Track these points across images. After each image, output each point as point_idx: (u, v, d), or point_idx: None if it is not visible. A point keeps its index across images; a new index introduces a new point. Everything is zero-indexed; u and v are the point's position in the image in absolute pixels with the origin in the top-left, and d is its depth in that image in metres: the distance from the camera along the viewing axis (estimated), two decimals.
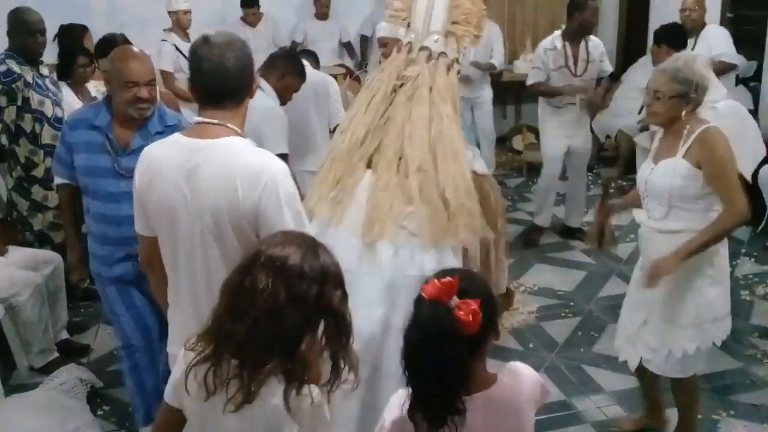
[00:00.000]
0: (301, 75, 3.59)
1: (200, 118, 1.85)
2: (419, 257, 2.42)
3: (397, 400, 1.56)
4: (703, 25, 5.13)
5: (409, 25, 2.74)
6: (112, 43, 4.79)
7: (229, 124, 1.81)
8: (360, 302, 1.97)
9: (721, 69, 4.72)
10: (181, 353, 1.55)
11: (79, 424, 2.92)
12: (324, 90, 3.97)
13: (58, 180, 2.82)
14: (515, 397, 1.58)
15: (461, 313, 1.42)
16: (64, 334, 3.72)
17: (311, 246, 1.48)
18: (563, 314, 4.02)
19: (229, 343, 1.42)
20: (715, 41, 5.00)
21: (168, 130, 2.51)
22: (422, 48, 2.66)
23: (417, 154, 2.48)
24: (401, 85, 2.62)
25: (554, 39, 4.77)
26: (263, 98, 3.22)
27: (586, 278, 4.50)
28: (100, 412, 3.19)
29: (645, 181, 2.62)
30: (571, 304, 4.16)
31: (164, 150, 1.87)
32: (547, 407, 2.84)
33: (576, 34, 4.72)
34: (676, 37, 4.46)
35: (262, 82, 3.32)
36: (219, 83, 1.81)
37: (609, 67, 4.98)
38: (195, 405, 1.51)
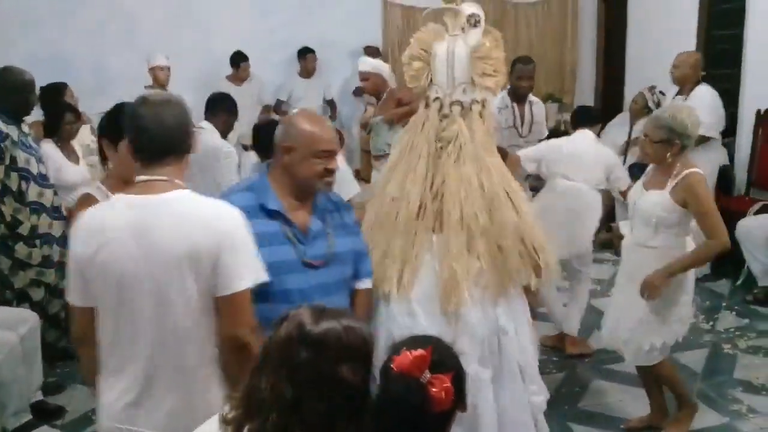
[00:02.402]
0: (235, 114, 3.92)
1: (144, 177, 1.83)
2: (491, 312, 2.52)
3: None
4: (696, 82, 5.15)
5: (431, 81, 2.68)
6: (56, 92, 4.87)
7: (174, 180, 1.82)
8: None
9: (698, 141, 4.73)
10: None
11: None
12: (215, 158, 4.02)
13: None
14: None
15: (434, 390, 1.35)
16: (39, 395, 3.63)
17: (314, 319, 1.33)
18: (547, 370, 3.99)
19: None
20: (699, 104, 4.67)
21: (334, 206, 2.29)
22: (454, 103, 2.63)
23: (478, 214, 2.52)
24: (442, 147, 2.61)
25: (503, 98, 4.71)
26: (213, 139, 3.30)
27: None
28: None
29: (634, 202, 3.11)
30: (555, 359, 4.14)
31: (109, 211, 1.83)
32: None
33: (515, 96, 4.73)
34: (583, 116, 4.38)
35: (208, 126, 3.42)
36: (160, 141, 1.82)
37: (545, 131, 4.96)
38: None
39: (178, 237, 1.74)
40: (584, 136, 4.16)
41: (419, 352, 1.37)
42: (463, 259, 2.50)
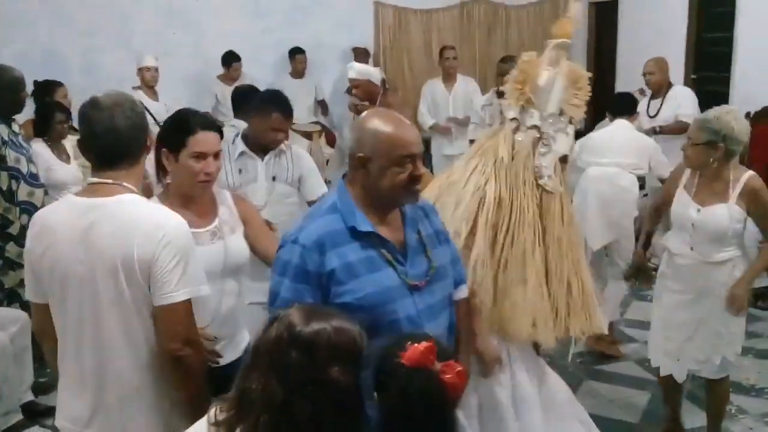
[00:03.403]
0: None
1: (94, 179, 1.82)
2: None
3: None
4: (669, 85, 5.32)
5: (525, 105, 2.59)
6: (45, 91, 4.83)
7: (124, 183, 1.80)
8: None
9: (683, 128, 4.88)
10: None
11: None
12: None
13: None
14: None
15: (448, 376, 1.31)
16: (29, 395, 3.61)
17: (304, 320, 1.32)
18: None
19: None
20: (681, 100, 5.17)
21: (422, 212, 1.99)
22: (531, 127, 2.56)
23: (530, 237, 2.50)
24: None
25: (490, 96, 4.88)
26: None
27: None
28: None
29: (691, 221, 2.92)
30: (547, 359, 4.15)
31: (58, 211, 1.83)
32: None
33: (500, 94, 4.80)
34: (621, 105, 4.49)
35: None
36: (111, 144, 1.78)
37: None
38: None
39: (115, 242, 1.73)
40: (620, 124, 4.28)
41: (425, 343, 1.33)
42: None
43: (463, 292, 2.11)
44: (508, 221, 2.46)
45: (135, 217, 1.76)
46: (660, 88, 5.29)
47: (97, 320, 1.78)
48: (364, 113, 1.89)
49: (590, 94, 2.64)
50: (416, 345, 1.33)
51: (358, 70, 4.84)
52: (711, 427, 3.19)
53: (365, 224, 1.80)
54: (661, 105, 5.26)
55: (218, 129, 2.22)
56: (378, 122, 1.81)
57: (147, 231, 1.73)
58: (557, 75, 2.60)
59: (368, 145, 1.79)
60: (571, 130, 2.65)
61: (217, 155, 2.17)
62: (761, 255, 2.98)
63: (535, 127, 2.57)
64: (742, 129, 2.81)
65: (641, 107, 5.49)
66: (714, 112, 2.85)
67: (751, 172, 2.88)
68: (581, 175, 4.17)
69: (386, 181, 1.78)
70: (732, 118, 2.80)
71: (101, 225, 1.74)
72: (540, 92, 2.58)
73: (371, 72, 4.87)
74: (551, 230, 2.50)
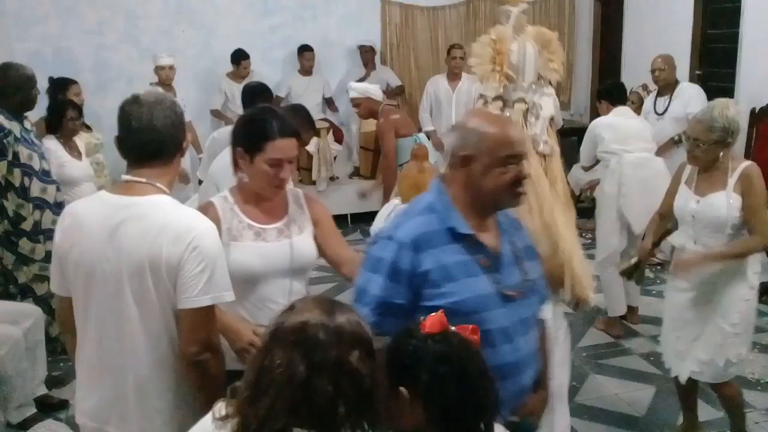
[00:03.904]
0: (311, 128, 3.54)
1: (128, 176, 1.82)
2: None
3: None
4: (675, 82, 5.34)
5: (502, 79, 2.63)
6: (58, 88, 4.90)
7: (157, 183, 1.80)
8: None
9: None
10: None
11: None
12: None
13: None
14: None
15: (467, 333, 1.45)
16: (43, 389, 3.66)
17: (327, 308, 1.37)
18: None
19: (252, 422, 1.31)
20: (690, 99, 5.19)
21: (514, 224, 1.92)
22: (517, 100, 2.61)
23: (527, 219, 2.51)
24: None
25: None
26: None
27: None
28: None
29: (691, 213, 2.91)
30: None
31: (89, 207, 1.84)
32: None
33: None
34: (615, 93, 4.67)
35: None
36: (147, 142, 1.79)
37: None
38: None
39: (143, 242, 1.73)
40: (625, 110, 4.55)
41: (434, 314, 1.44)
42: None
43: (543, 314, 2.01)
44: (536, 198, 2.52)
45: (165, 218, 1.75)
46: (668, 85, 5.31)
47: (120, 318, 1.78)
48: (467, 113, 1.84)
49: (564, 56, 2.72)
50: (431, 315, 1.44)
51: (357, 89, 4.94)
52: (732, 426, 3.16)
53: (464, 227, 1.74)
54: (669, 102, 5.29)
55: (297, 134, 2.18)
56: (482, 121, 1.78)
57: (176, 234, 1.73)
58: (526, 43, 2.63)
59: (472, 144, 1.74)
60: (550, 90, 2.71)
61: (292, 161, 2.13)
62: (736, 243, 2.85)
63: (521, 99, 2.61)
64: (742, 118, 2.89)
65: (648, 104, 5.53)
66: (716, 110, 2.83)
67: (750, 162, 2.89)
68: (615, 162, 4.31)
69: (489, 181, 1.73)
70: (734, 112, 2.83)
71: (131, 224, 1.75)
72: (515, 65, 2.62)
73: (370, 90, 4.97)
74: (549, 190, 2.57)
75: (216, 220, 2.01)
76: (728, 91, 5.67)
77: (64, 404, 3.62)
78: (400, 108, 6.67)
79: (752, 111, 5.58)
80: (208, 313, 1.77)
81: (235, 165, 2.16)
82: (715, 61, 6.01)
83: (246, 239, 2.12)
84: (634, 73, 6.70)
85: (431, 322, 1.44)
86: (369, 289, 1.71)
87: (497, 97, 2.62)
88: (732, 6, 5.80)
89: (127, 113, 1.80)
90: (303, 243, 2.20)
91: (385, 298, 1.67)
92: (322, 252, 2.27)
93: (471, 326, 1.48)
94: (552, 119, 2.69)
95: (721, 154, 2.83)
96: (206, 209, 2.10)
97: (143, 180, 1.80)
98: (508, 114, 2.60)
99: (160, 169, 1.82)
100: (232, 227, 2.12)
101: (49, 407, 3.58)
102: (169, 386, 1.83)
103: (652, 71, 5.32)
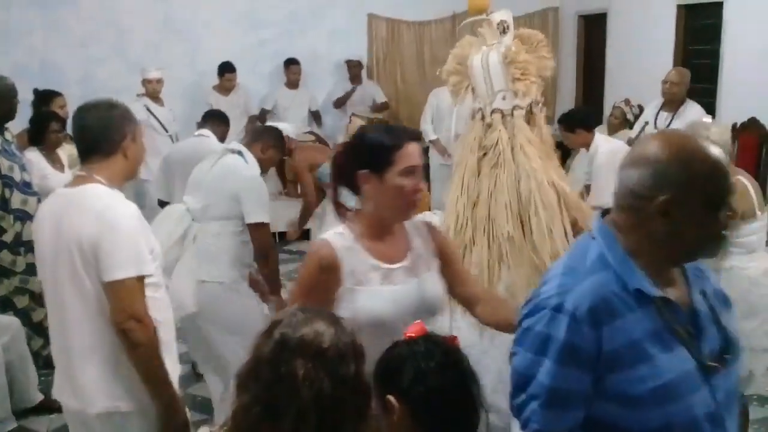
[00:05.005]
0: (281, 149, 3.65)
1: (78, 171, 2.10)
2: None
3: None
4: (682, 100, 5.18)
5: (473, 91, 2.73)
6: (42, 100, 4.92)
7: (95, 175, 2.01)
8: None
9: None
10: None
11: None
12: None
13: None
14: None
15: (447, 337, 1.57)
16: (39, 396, 3.62)
17: (336, 321, 1.32)
18: None
19: None
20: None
21: (695, 266, 1.47)
22: (494, 111, 2.68)
23: (504, 223, 2.55)
24: (484, 155, 2.66)
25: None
26: (246, 167, 3.25)
27: None
28: None
29: None
30: None
31: (46, 202, 2.13)
32: None
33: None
34: (590, 118, 4.65)
35: (245, 151, 3.33)
36: (83, 141, 2.07)
37: None
38: None
39: (73, 225, 1.95)
40: (605, 136, 4.59)
41: (412, 325, 1.56)
42: (492, 271, 2.53)
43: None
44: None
45: (89, 203, 1.97)
46: (675, 101, 5.16)
47: (62, 298, 2.00)
48: (648, 137, 1.38)
49: (531, 55, 2.72)
50: (414, 323, 1.56)
51: (291, 130, 4.79)
52: None
53: (652, 287, 1.32)
54: (672, 118, 5.10)
55: (420, 138, 2.16)
56: (690, 152, 1.30)
57: (97, 213, 1.93)
58: (489, 53, 2.69)
59: (674, 184, 1.28)
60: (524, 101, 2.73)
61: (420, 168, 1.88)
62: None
63: (479, 110, 2.71)
64: (730, 136, 2.93)
65: (649, 116, 5.43)
66: (712, 132, 2.77)
67: (737, 177, 2.91)
68: None
69: (698, 231, 1.31)
70: (722, 131, 2.89)
71: (67, 212, 1.98)
72: (477, 75, 2.70)
73: (282, 126, 4.80)
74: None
75: (334, 263, 1.80)
76: (710, 106, 5.74)
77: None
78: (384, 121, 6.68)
79: (734, 126, 5.64)
80: (129, 285, 1.93)
81: (357, 191, 1.88)
82: (697, 76, 6.07)
83: (373, 283, 1.84)
84: (617, 88, 6.78)
85: (413, 329, 1.54)
86: (535, 374, 1.33)
87: (479, 110, 2.70)
88: (713, 22, 5.89)
89: (73, 118, 2.12)
90: (432, 282, 1.93)
91: (559, 388, 1.30)
92: (451, 291, 2.00)
93: (450, 336, 1.58)
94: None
95: None
96: (320, 249, 1.85)
97: (84, 173, 2.04)
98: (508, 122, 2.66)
99: (100, 163, 2.04)
100: (355, 270, 1.83)
101: (54, 410, 3.43)
102: (103, 345, 2.00)
103: (664, 82, 5.14)
